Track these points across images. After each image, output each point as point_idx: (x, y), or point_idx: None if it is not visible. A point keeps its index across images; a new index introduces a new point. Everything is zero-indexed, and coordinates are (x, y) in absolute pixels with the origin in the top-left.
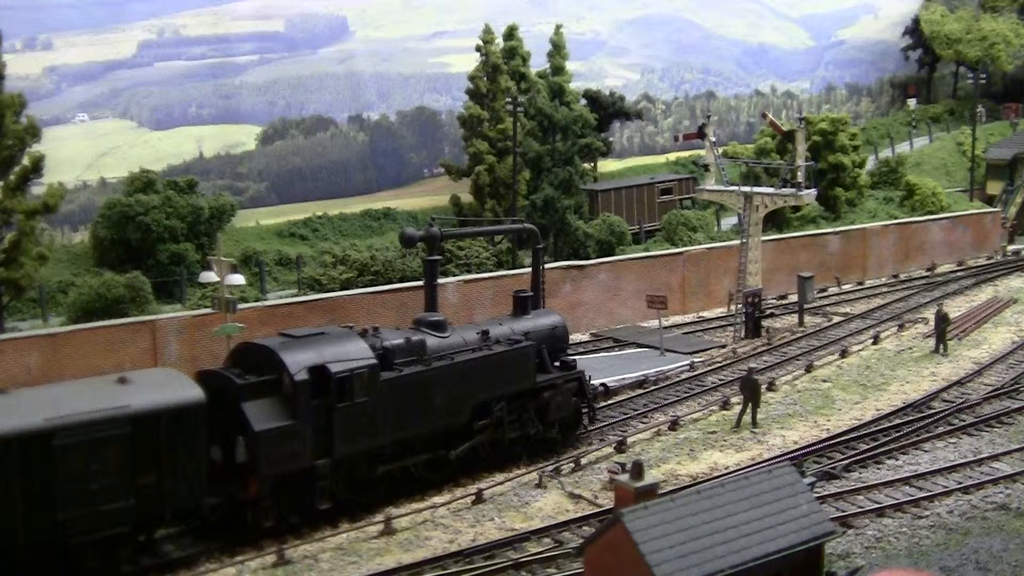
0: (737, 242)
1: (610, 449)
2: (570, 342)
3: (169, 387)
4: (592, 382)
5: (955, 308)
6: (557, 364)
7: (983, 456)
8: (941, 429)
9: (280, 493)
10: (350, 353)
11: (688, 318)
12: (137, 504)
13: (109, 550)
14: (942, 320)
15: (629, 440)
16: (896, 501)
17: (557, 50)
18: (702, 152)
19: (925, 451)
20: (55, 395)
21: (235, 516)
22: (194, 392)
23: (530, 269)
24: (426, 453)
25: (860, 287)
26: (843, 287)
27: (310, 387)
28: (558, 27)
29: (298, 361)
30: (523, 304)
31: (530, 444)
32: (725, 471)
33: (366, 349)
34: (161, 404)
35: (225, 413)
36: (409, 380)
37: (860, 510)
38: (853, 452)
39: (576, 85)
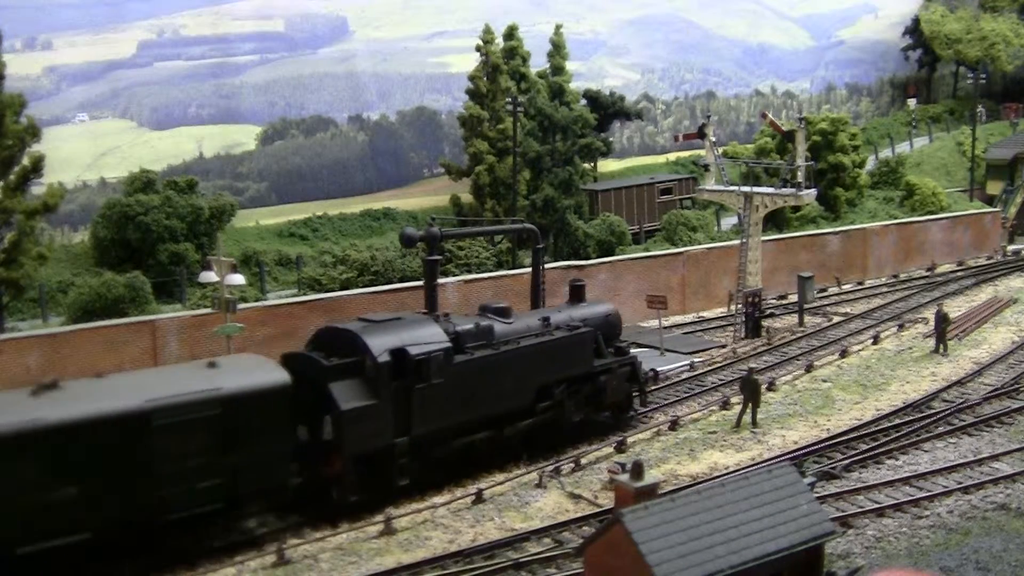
0: (737, 242)
1: (610, 449)
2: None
3: (256, 371)
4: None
5: (955, 308)
6: (611, 350)
7: (983, 456)
8: (941, 429)
9: (362, 470)
10: (427, 337)
11: (688, 318)
12: (227, 482)
13: (201, 526)
14: (942, 320)
15: (629, 440)
16: (896, 501)
17: (557, 50)
18: (702, 152)
19: (925, 451)
20: (151, 379)
21: (319, 493)
22: (280, 375)
23: (530, 269)
24: (490, 433)
25: (860, 287)
26: (843, 287)
27: (391, 369)
28: (558, 27)
29: (380, 344)
30: (578, 292)
31: (587, 426)
32: (725, 471)
33: (441, 333)
34: (250, 387)
35: (310, 394)
36: (480, 363)
37: (860, 510)
38: (853, 452)
39: (576, 85)
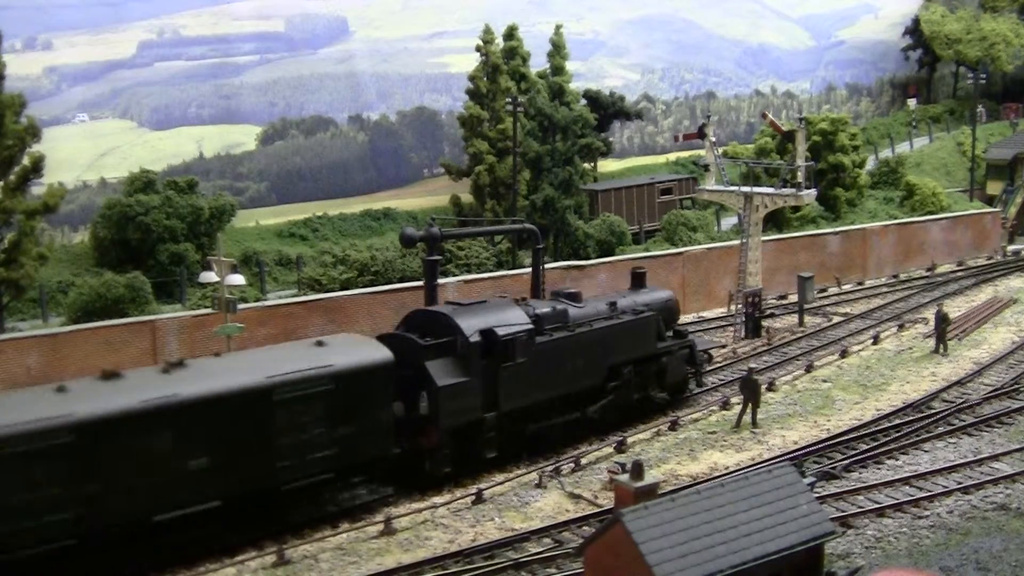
0: (737, 242)
1: (610, 449)
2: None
3: (362, 349)
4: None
5: (955, 308)
6: (670, 334)
7: (983, 456)
8: (941, 429)
9: (454, 443)
10: (511, 319)
11: (688, 318)
12: (338, 453)
13: (314, 495)
14: (942, 320)
15: (629, 440)
16: (896, 501)
17: (557, 50)
18: (702, 152)
19: (925, 451)
20: (266, 357)
21: (413, 465)
22: (385, 353)
23: (530, 269)
24: (568, 412)
25: (860, 287)
26: (843, 287)
27: (481, 348)
28: (558, 27)
29: (471, 325)
30: (640, 279)
31: (648, 405)
32: (725, 471)
33: (524, 316)
34: (359, 363)
35: (406, 371)
36: (558, 344)
37: (860, 510)
38: (853, 452)
39: (576, 85)
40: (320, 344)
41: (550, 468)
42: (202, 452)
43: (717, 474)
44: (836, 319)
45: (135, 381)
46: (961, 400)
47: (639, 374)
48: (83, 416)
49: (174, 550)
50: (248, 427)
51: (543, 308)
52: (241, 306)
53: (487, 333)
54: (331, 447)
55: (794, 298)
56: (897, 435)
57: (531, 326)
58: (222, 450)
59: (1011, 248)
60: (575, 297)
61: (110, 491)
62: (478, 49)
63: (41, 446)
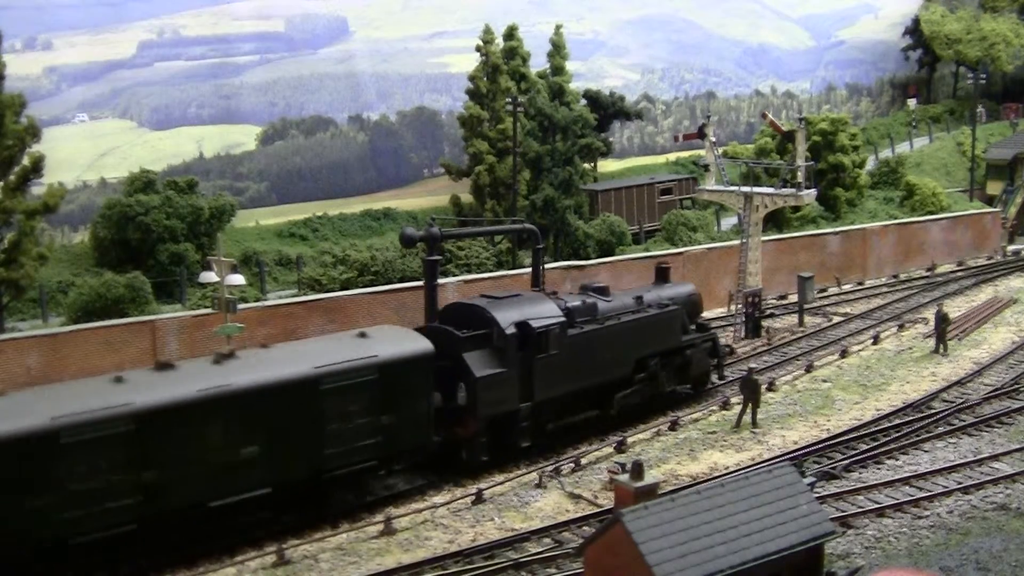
0: (737, 242)
1: (610, 449)
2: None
3: (404, 340)
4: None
5: (955, 308)
6: (693, 327)
7: (983, 456)
8: (941, 429)
9: (490, 433)
10: (545, 312)
11: None
12: (382, 441)
13: (358, 482)
14: (942, 320)
15: (629, 440)
16: (896, 501)
17: (557, 50)
18: (702, 152)
19: (925, 451)
20: (312, 348)
21: (450, 454)
22: (425, 344)
23: (530, 269)
24: (595, 406)
25: (860, 287)
26: (843, 287)
27: (516, 340)
28: (558, 27)
29: (507, 318)
30: (664, 274)
31: (672, 397)
32: (725, 471)
33: (556, 309)
34: (401, 354)
35: (444, 363)
36: (589, 336)
37: (860, 510)
38: (853, 452)
39: (576, 85)
40: (363, 335)
41: (550, 468)
42: (254, 440)
43: (717, 474)
44: (836, 319)
45: (188, 372)
46: (961, 400)
47: (664, 367)
48: (143, 405)
49: (228, 535)
50: (298, 416)
51: (574, 302)
52: (241, 306)
53: (522, 325)
54: (375, 435)
55: (794, 298)
56: (897, 435)
57: (563, 319)
58: (273, 438)
59: (1011, 248)
60: (603, 291)
61: (168, 478)
62: (478, 49)
63: (104, 434)
